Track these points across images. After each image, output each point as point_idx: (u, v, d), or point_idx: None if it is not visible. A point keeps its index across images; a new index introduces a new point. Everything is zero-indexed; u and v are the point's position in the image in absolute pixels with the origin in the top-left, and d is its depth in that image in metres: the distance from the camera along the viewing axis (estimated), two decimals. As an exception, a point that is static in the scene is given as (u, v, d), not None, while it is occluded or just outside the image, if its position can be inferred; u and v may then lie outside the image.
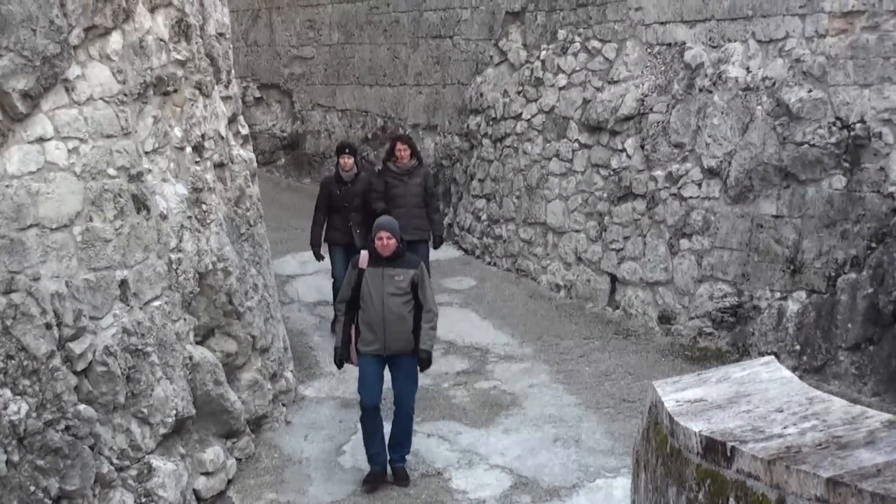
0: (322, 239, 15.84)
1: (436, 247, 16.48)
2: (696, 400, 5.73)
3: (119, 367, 10.47)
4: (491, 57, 19.54)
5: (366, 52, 22.96)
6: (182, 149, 11.88)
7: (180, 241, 11.59)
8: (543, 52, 18.26)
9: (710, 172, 15.18)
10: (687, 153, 15.54)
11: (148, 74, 11.23)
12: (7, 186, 9.63)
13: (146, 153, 11.21)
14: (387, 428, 12.16)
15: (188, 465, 11.40)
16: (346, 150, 15.79)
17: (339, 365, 12.19)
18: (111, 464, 10.34)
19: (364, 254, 11.96)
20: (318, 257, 16.01)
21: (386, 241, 11.72)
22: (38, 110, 9.92)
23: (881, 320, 13.23)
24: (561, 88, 17.83)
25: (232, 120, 13.61)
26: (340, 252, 15.52)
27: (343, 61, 23.66)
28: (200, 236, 11.97)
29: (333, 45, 23.90)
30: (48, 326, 9.77)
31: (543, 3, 18.30)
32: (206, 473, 11.66)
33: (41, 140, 9.93)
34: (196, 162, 12.17)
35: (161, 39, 11.54)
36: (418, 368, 12.04)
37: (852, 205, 13.66)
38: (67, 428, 9.84)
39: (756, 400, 5.55)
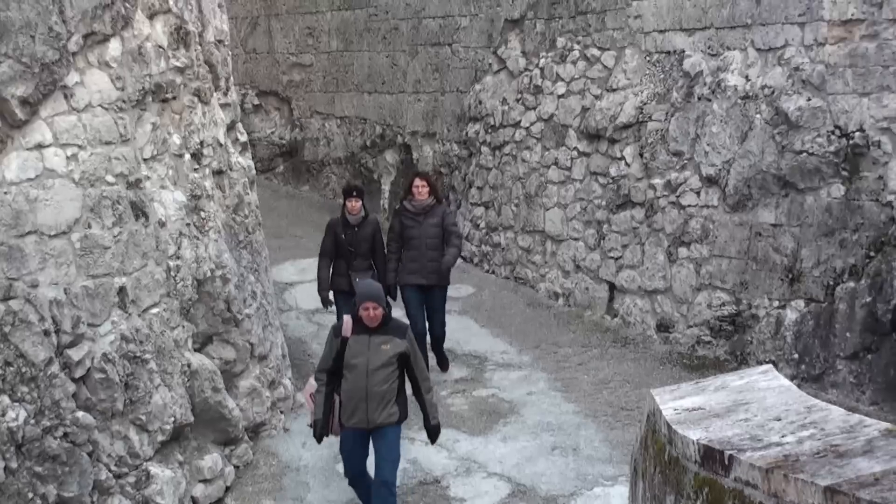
0: (329, 284, 14.84)
1: (443, 267, 14.73)
2: (695, 408, 5.73)
3: (117, 374, 10.47)
4: (490, 65, 19.55)
5: (365, 60, 22.96)
6: (181, 156, 11.88)
7: (179, 249, 11.59)
8: (542, 60, 18.27)
9: (709, 181, 15.18)
10: (686, 161, 15.55)
11: (147, 81, 11.23)
12: (5, 193, 9.63)
13: (145, 160, 11.21)
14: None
15: (186, 473, 11.40)
16: (354, 193, 14.75)
17: (319, 439, 11.39)
18: (109, 471, 10.34)
19: (347, 320, 11.01)
20: (326, 304, 15.00)
21: (373, 313, 10.74)
22: (36, 117, 9.92)
23: (879, 329, 13.23)
24: (560, 96, 17.83)
25: (231, 127, 13.61)
26: (345, 301, 14.18)
27: (342, 69, 23.67)
28: (199, 243, 11.97)
29: (332, 52, 23.89)
30: (46, 333, 9.77)
31: (542, 10, 18.31)
32: (205, 481, 11.66)
33: (40, 147, 9.94)
34: (195, 169, 12.17)
35: (160, 46, 11.55)
36: (429, 440, 11.63)
37: (851, 213, 13.66)
38: (66, 435, 9.84)
39: (754, 408, 5.54)
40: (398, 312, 13.97)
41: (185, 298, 11.68)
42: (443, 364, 14.97)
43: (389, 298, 13.79)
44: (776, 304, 14.39)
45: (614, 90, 16.83)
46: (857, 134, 13.64)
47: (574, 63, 17.64)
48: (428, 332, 14.77)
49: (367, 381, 10.79)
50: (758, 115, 14.62)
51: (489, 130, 19.34)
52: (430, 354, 14.56)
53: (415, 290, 14.64)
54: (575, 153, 17.44)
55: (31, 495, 9.48)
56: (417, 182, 14.83)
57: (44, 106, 9.98)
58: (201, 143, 12.32)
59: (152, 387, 10.90)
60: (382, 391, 10.81)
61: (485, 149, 19.44)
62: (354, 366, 10.84)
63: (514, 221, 18.69)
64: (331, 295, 14.83)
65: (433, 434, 11.48)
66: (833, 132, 13.86)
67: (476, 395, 14.40)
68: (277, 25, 25.35)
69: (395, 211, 15.13)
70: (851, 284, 13.58)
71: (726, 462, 4.90)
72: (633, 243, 16.30)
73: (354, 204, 14.63)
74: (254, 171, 14.32)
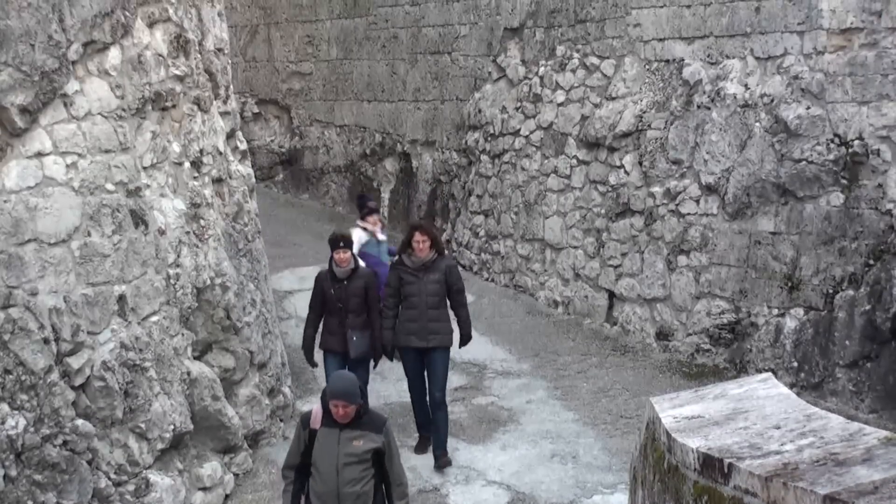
0: (314, 343, 13.42)
1: (461, 345, 13.52)
2: (694, 416, 5.73)
3: (117, 382, 10.47)
4: (489, 73, 19.56)
5: (364, 68, 22.97)
6: (180, 164, 11.88)
7: (178, 257, 11.60)
8: (542, 69, 18.28)
9: (708, 189, 15.19)
10: (685, 169, 15.55)
11: (146, 90, 11.24)
12: (5, 201, 9.64)
13: (144, 168, 11.22)
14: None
15: (186, 481, 11.40)
16: (341, 244, 13.25)
17: None
18: (109, 479, 10.34)
19: (317, 410, 9.65)
20: (311, 364, 13.69)
21: (342, 411, 9.36)
22: (36, 125, 9.93)
23: (879, 337, 13.23)
24: (559, 104, 17.84)
25: (230, 135, 13.62)
26: (334, 362, 13.11)
27: (341, 77, 23.67)
28: (199, 251, 11.97)
29: (332, 60, 23.91)
30: (46, 341, 9.78)
31: (542, 19, 18.32)
32: (204, 488, 11.66)
33: (39, 155, 9.95)
34: (194, 177, 12.18)
35: (160, 55, 11.56)
36: None
37: (850, 222, 13.67)
38: (65, 443, 9.84)
39: (753, 416, 5.55)
40: (396, 372, 13.98)
41: (184, 306, 11.68)
42: (440, 459, 12.99)
43: (385, 358, 13.30)
44: (775, 312, 14.39)
45: (614, 98, 16.84)
46: (857, 142, 13.65)
47: (573, 71, 17.64)
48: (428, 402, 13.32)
49: (336, 480, 9.50)
50: (757, 124, 14.63)
51: (489, 139, 19.34)
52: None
53: (413, 354, 13.09)
54: (574, 161, 17.44)
55: (30, 503, 9.48)
56: (418, 237, 13.20)
57: (43, 114, 9.99)
58: (201, 151, 12.32)
59: (152, 395, 10.91)
60: (355, 492, 9.51)
61: (484, 157, 19.45)
62: (323, 462, 9.56)
63: (513, 230, 18.69)
64: (319, 355, 13.46)
65: None
66: (832, 140, 13.87)
67: (475, 402, 14.40)
68: (277, 34, 25.36)
69: (392, 265, 13.56)
70: (851, 293, 13.58)
71: (726, 470, 4.90)
72: (632, 251, 16.30)
73: (343, 256, 13.18)
74: (253, 180, 14.32)
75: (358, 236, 15.09)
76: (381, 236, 15.77)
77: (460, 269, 15.46)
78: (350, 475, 9.45)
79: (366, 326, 13.14)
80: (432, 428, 13.08)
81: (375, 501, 9.63)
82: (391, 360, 13.39)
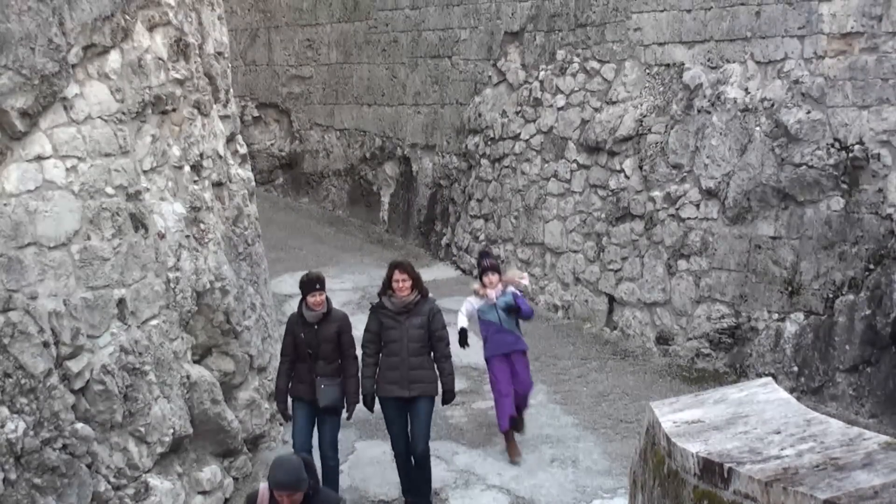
0: (286, 393, 12.35)
1: (444, 402, 12.55)
2: (694, 421, 5.73)
3: (116, 386, 10.46)
4: (489, 77, 19.56)
5: (364, 72, 22.98)
6: (180, 168, 11.88)
7: (178, 260, 11.59)
8: (542, 73, 18.28)
9: (709, 193, 15.19)
10: (685, 174, 15.55)
11: (146, 93, 11.23)
12: (5, 205, 9.63)
13: (144, 172, 11.21)
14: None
15: (185, 484, 11.38)
16: (317, 286, 12.09)
17: None
18: (108, 482, 10.33)
19: (263, 490, 8.84)
20: (285, 417, 12.67)
21: (288, 501, 8.49)
22: (36, 129, 9.92)
23: (879, 342, 13.23)
24: (559, 109, 17.84)
25: (230, 139, 13.61)
26: (303, 412, 12.16)
27: (341, 81, 23.69)
28: (198, 255, 11.96)
29: (332, 64, 23.92)
30: (46, 345, 9.77)
31: (542, 23, 18.33)
32: (203, 492, 11.65)
33: (39, 158, 9.94)
34: (194, 181, 12.17)
35: (160, 58, 11.55)
36: None
37: (850, 226, 13.67)
38: (65, 446, 9.83)
39: (753, 421, 5.54)
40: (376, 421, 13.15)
41: (184, 310, 11.67)
42: None
43: (366, 409, 12.23)
44: (776, 316, 14.39)
45: (614, 103, 16.84)
46: (857, 147, 13.65)
47: (574, 76, 17.65)
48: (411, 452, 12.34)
49: None
50: (757, 128, 14.63)
51: (489, 143, 19.35)
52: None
53: (395, 404, 12.14)
54: (574, 165, 17.45)
55: (29, 507, 9.48)
56: (397, 275, 12.26)
57: (43, 118, 9.99)
58: (201, 154, 12.32)
59: (151, 398, 10.90)
60: None
61: (484, 161, 19.45)
62: None
63: (513, 234, 18.68)
64: (290, 405, 12.40)
65: None
66: (832, 145, 13.87)
67: (475, 407, 14.39)
68: (277, 38, 25.38)
69: (373, 308, 12.48)
70: (851, 297, 13.58)
71: (726, 475, 4.90)
72: (632, 256, 16.30)
73: (318, 299, 12.06)
74: (253, 183, 14.31)
75: (467, 308, 13.50)
76: (494, 294, 13.31)
77: (459, 272, 15.40)
78: None
79: (337, 374, 12.09)
80: (413, 485, 12.24)
81: None
82: (371, 410, 12.29)
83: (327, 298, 12.21)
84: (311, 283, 12.09)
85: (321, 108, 24.43)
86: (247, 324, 12.73)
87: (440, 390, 12.31)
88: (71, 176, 10.21)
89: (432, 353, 12.24)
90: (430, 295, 12.61)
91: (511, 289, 13.35)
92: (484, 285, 13.29)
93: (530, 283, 15.93)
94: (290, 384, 12.28)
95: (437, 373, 12.22)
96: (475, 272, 14.60)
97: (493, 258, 14.21)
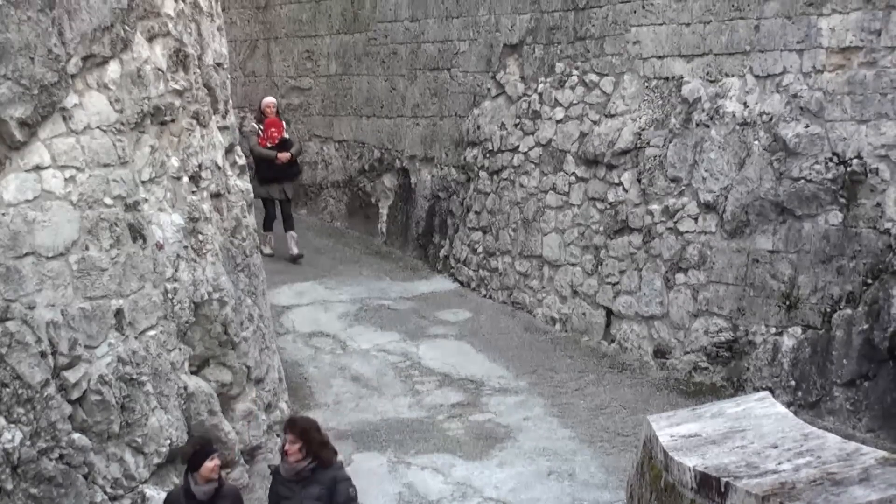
0: None
1: None
2: (691, 435, 5.73)
3: (114, 397, 10.46)
4: (488, 89, 19.57)
5: (363, 84, 22.98)
6: (179, 178, 11.88)
7: (176, 271, 11.59)
8: (541, 85, 18.29)
9: (707, 207, 15.19)
10: (683, 187, 15.55)
11: (145, 104, 11.24)
12: (3, 214, 9.64)
13: (143, 182, 11.22)
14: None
15: (181, 496, 11.37)
16: (215, 452, 10.04)
17: None
18: (105, 493, 10.32)
19: None
20: None
21: None
22: (35, 139, 9.94)
23: (876, 356, 13.22)
24: (558, 121, 17.84)
25: (229, 150, 13.61)
26: None
27: (340, 92, 23.68)
28: (196, 266, 11.96)
29: (331, 76, 23.91)
30: (43, 355, 9.77)
31: (541, 36, 18.33)
32: None
33: (38, 168, 9.95)
34: (193, 192, 12.17)
35: (159, 69, 11.56)
36: None
37: (848, 241, 13.67)
38: (61, 456, 9.83)
39: (750, 435, 5.54)
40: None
41: (182, 321, 11.67)
42: None
43: None
44: (773, 330, 14.38)
45: (612, 116, 16.85)
46: (855, 161, 13.65)
47: (572, 88, 17.65)
48: None
49: None
50: (756, 142, 14.63)
51: (487, 155, 19.34)
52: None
53: None
54: (573, 178, 17.44)
55: (25, 517, 9.47)
56: (289, 436, 9.97)
57: (42, 128, 10.00)
58: (199, 165, 12.32)
59: (148, 409, 10.89)
60: None
61: (483, 173, 19.45)
62: None
63: (511, 246, 18.68)
64: None
65: None
66: (831, 159, 13.87)
67: (472, 419, 14.37)
68: (276, 49, 25.38)
69: (272, 473, 10.61)
70: (849, 311, 13.58)
71: (722, 489, 4.90)
72: (630, 269, 16.29)
73: (214, 463, 9.84)
74: (252, 195, 14.31)
75: None
76: None
77: (457, 284, 15.30)
78: None
79: None
80: None
81: None
82: None
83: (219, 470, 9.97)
84: (203, 450, 9.93)
85: (320, 119, 24.42)
86: (244, 335, 12.72)
87: None
88: (69, 186, 10.22)
89: None
90: (339, 458, 10.33)
91: None
92: None
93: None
94: None
95: None
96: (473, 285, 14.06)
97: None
